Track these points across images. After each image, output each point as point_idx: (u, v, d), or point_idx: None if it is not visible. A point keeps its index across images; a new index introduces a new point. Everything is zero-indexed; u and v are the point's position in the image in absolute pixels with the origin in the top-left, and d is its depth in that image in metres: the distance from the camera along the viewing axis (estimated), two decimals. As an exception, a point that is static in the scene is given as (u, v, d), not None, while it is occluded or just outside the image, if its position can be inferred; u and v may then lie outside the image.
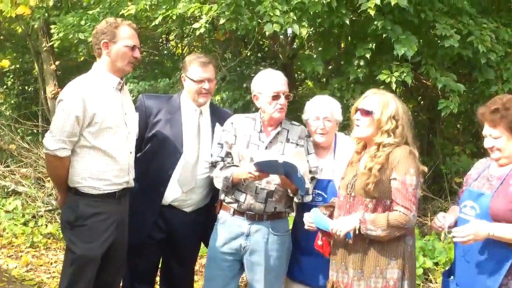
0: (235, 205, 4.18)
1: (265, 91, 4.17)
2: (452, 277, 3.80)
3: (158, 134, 4.35)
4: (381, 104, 3.68)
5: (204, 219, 4.48)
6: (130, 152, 4.09)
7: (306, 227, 3.92)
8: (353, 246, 3.70)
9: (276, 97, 4.14)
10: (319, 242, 3.97)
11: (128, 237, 4.26)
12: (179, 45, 11.23)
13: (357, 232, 3.60)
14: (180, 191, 4.33)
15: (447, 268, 4.07)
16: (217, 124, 4.42)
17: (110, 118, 3.91)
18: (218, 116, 4.52)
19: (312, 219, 3.85)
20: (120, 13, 7.61)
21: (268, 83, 4.19)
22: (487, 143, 3.61)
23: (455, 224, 3.68)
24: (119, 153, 3.97)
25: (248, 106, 7.38)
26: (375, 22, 6.58)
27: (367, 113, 3.70)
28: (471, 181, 3.77)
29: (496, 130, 3.54)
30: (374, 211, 3.62)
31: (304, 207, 4.24)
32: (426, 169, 3.74)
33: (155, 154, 4.34)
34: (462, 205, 3.70)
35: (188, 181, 4.33)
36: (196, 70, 4.35)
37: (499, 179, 3.57)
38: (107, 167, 3.93)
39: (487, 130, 3.60)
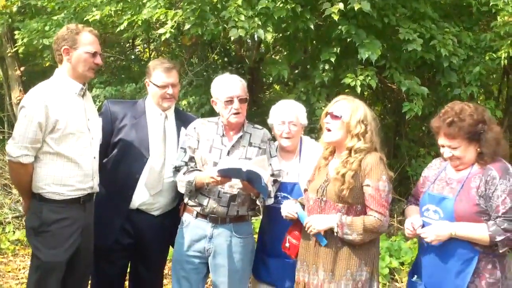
0: (198, 208, 4.21)
1: (220, 96, 4.21)
2: (415, 276, 3.86)
3: (124, 139, 4.36)
4: (350, 108, 3.74)
5: (171, 222, 4.48)
6: (94, 157, 4.08)
7: (284, 215, 3.95)
8: (324, 248, 3.75)
9: (230, 102, 4.16)
10: (287, 245, 4.03)
11: (96, 242, 4.26)
12: (146, 50, 11.20)
13: (334, 232, 3.66)
14: (147, 194, 4.34)
15: (411, 269, 4.13)
16: (182, 128, 4.44)
17: (73, 124, 3.91)
18: (183, 120, 4.55)
19: (296, 209, 3.91)
20: (85, 18, 7.56)
21: (222, 89, 4.22)
22: (446, 154, 3.67)
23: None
24: (82, 159, 3.96)
25: (215, 111, 7.35)
26: (340, 27, 6.65)
27: (337, 117, 3.75)
28: (429, 183, 3.83)
29: (454, 142, 3.60)
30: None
31: (271, 210, 4.29)
32: (392, 174, 3.80)
33: (122, 159, 4.35)
34: (424, 209, 3.76)
35: (155, 185, 4.34)
36: (160, 75, 4.37)
37: (459, 182, 3.64)
38: (70, 173, 3.92)
39: (444, 141, 3.65)
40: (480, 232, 3.47)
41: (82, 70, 4.00)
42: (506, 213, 3.44)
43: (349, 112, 3.72)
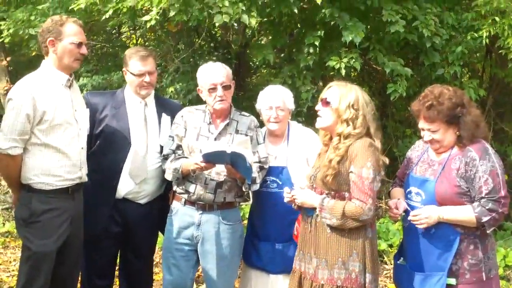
0: (185, 196, 4.27)
1: (204, 85, 4.28)
2: (401, 258, 3.94)
3: (106, 130, 4.41)
4: (340, 93, 3.74)
5: (159, 210, 4.54)
6: (82, 148, 4.13)
7: (286, 200, 3.95)
8: (316, 235, 3.77)
9: (213, 89, 4.22)
10: (295, 232, 4.09)
11: (84, 231, 4.32)
12: (133, 36, 11.17)
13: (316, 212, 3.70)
14: (133, 183, 4.39)
15: (397, 251, 4.20)
16: (164, 114, 4.50)
17: (60, 115, 3.95)
18: (163, 106, 4.60)
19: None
20: (70, 7, 7.56)
21: (205, 76, 4.28)
22: (425, 137, 3.73)
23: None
24: (70, 149, 4.01)
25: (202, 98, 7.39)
26: (323, 10, 6.68)
27: (327, 103, 3.76)
28: (412, 165, 3.89)
29: (433, 125, 3.67)
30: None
31: (261, 195, 4.40)
32: (387, 160, 3.77)
33: (105, 149, 4.40)
34: (407, 191, 3.84)
35: (139, 173, 4.39)
36: (136, 64, 4.41)
37: (440, 164, 3.71)
38: (59, 163, 3.97)
39: (423, 124, 3.71)
40: (466, 214, 3.55)
41: (68, 61, 4.04)
42: (489, 193, 3.51)
43: (338, 98, 3.72)
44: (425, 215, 3.60)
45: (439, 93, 3.68)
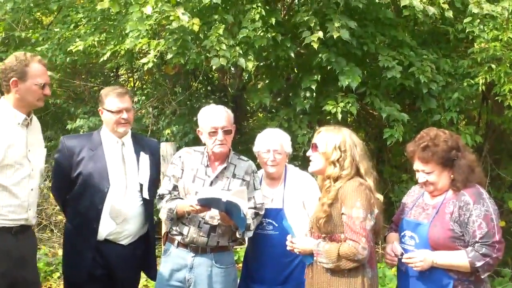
0: (179, 238, 4.23)
1: (205, 127, 4.25)
2: None
3: (84, 172, 4.32)
4: (326, 137, 3.77)
5: (142, 251, 4.48)
6: (32, 189, 3.99)
7: (288, 248, 3.92)
8: (317, 276, 3.76)
9: (214, 133, 4.19)
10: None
11: (70, 276, 4.29)
12: (130, 79, 11.25)
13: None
14: (114, 224, 4.31)
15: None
16: (142, 153, 4.45)
17: (11, 156, 3.84)
18: (141, 145, 4.55)
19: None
20: (69, 49, 7.63)
21: (207, 119, 4.25)
22: (420, 179, 3.73)
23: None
24: (18, 189, 3.89)
25: (199, 139, 7.37)
26: (320, 55, 6.74)
27: (316, 147, 3.79)
28: (407, 210, 3.87)
29: (428, 166, 3.66)
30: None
31: (257, 237, 4.36)
32: (381, 197, 3.78)
33: (84, 192, 4.32)
34: (401, 235, 3.81)
35: (119, 214, 4.31)
36: (113, 101, 4.36)
37: (434, 208, 3.69)
38: (3, 202, 3.83)
39: (418, 166, 3.71)
40: (459, 259, 3.51)
41: (31, 101, 3.94)
42: (483, 237, 3.47)
43: (324, 142, 3.76)
44: (420, 258, 3.57)
45: (434, 135, 3.69)
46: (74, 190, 4.36)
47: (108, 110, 4.37)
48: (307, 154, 3.88)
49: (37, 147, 4.10)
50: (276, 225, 4.38)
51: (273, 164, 4.45)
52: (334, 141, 3.73)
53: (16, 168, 3.86)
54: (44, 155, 4.22)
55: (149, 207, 4.50)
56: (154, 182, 4.55)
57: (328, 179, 3.73)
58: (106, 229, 4.31)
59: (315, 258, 3.71)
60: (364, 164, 3.73)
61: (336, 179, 3.69)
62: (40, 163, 4.12)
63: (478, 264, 3.47)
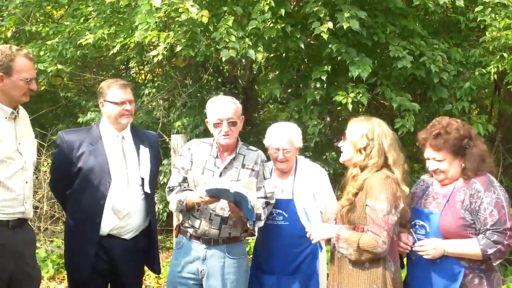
0: (191, 230, 4.24)
1: (210, 118, 4.25)
2: None
3: (84, 167, 4.28)
4: (355, 126, 3.80)
5: (144, 244, 4.46)
6: (26, 182, 3.94)
7: (308, 235, 3.96)
8: (339, 268, 3.79)
9: (219, 124, 4.19)
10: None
11: (74, 272, 4.29)
12: (141, 72, 11.27)
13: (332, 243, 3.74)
14: (116, 219, 4.28)
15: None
16: (141, 146, 4.42)
17: (2, 151, 3.78)
18: (141, 138, 4.51)
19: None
20: (79, 42, 7.65)
21: (213, 110, 4.25)
22: (431, 166, 3.72)
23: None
24: (13, 183, 3.83)
25: (209, 131, 7.39)
26: (330, 46, 6.72)
27: (346, 137, 3.83)
28: (417, 199, 3.87)
29: (439, 154, 3.66)
30: None
31: (267, 227, 4.36)
32: (407, 190, 3.74)
33: (85, 187, 4.28)
34: (412, 224, 3.80)
35: (122, 208, 4.28)
36: (116, 92, 4.31)
37: (445, 196, 3.68)
38: None
39: (429, 153, 3.71)
40: (471, 247, 3.51)
41: (16, 96, 3.86)
42: (495, 225, 3.47)
43: (352, 131, 3.79)
44: (432, 246, 3.57)
45: (447, 123, 3.69)
46: (74, 185, 4.31)
47: (111, 102, 4.31)
48: (339, 145, 3.91)
49: (27, 139, 4.02)
50: (286, 215, 4.39)
51: (282, 161, 4.46)
52: (362, 129, 3.74)
53: (8, 163, 3.80)
54: (35, 146, 4.16)
55: (151, 200, 4.49)
56: (154, 175, 4.54)
57: (355, 167, 3.74)
58: (109, 224, 4.27)
59: (333, 243, 3.72)
60: (393, 155, 3.71)
61: (363, 168, 3.69)
62: (32, 155, 4.06)
63: (490, 251, 3.47)
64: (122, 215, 4.29)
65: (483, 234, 3.50)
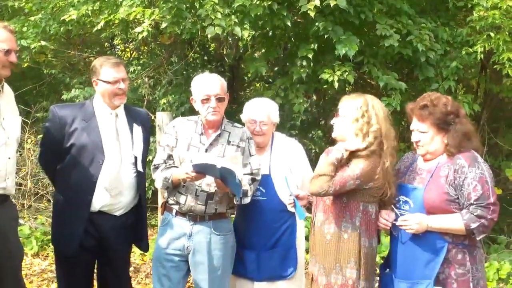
0: (177, 207, 4.23)
1: (198, 95, 4.23)
2: (388, 269, 3.92)
3: (77, 143, 4.23)
4: (348, 102, 3.88)
5: (133, 221, 4.46)
6: (9, 158, 3.89)
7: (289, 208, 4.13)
8: (318, 241, 3.89)
9: (206, 100, 4.17)
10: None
11: (61, 248, 4.27)
12: (127, 49, 11.18)
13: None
14: (108, 196, 4.27)
15: (383, 262, 4.18)
16: (135, 125, 4.39)
17: None
18: (134, 116, 4.48)
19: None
20: (62, 18, 7.55)
21: (200, 86, 4.23)
22: (414, 137, 3.76)
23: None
24: None
25: (194, 109, 7.36)
26: (317, 23, 6.67)
27: (339, 114, 3.88)
28: (401, 175, 3.89)
29: (423, 125, 3.68)
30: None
31: (245, 204, 4.34)
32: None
33: (77, 164, 4.24)
34: (396, 200, 3.81)
35: (114, 186, 4.27)
36: (109, 71, 4.26)
37: (429, 172, 3.70)
38: None
39: (415, 124, 3.74)
40: (454, 222, 3.54)
41: None
42: (478, 199, 3.50)
43: (346, 106, 3.85)
44: (415, 220, 3.60)
45: (436, 97, 3.73)
46: (65, 161, 4.28)
47: (104, 81, 4.28)
48: (331, 122, 3.97)
49: (11, 114, 3.97)
50: (264, 191, 4.44)
51: (259, 134, 4.50)
52: (356, 103, 3.81)
53: None
54: (19, 122, 4.10)
55: (142, 178, 4.48)
56: (145, 154, 4.52)
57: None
58: (100, 201, 4.26)
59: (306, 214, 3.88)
60: (386, 126, 3.81)
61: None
62: (16, 131, 4.00)
63: (473, 225, 3.50)
64: (114, 192, 4.27)
65: (467, 209, 3.53)
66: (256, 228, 4.43)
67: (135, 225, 4.45)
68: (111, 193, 4.27)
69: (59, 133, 4.26)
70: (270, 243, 4.43)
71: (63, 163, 4.29)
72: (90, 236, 4.31)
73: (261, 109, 4.52)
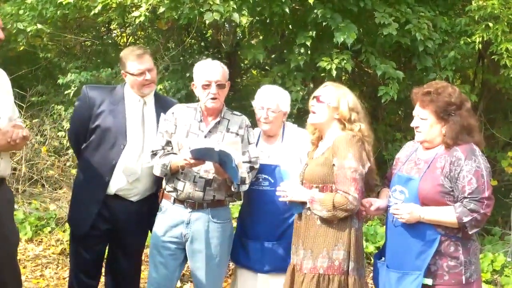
0: (174, 194, 4.21)
1: (199, 80, 4.20)
2: (383, 258, 3.90)
3: (102, 125, 4.32)
4: (337, 92, 3.85)
5: (149, 208, 4.47)
6: None
7: (277, 193, 4.00)
8: (306, 228, 3.85)
9: (207, 86, 4.15)
10: None
11: (73, 226, 4.34)
12: (123, 34, 11.11)
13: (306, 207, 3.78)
14: (125, 180, 4.32)
15: (378, 251, 4.19)
16: (162, 114, 4.40)
17: None
18: (162, 105, 4.51)
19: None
20: (59, 1, 7.49)
21: (201, 72, 4.21)
22: (413, 122, 3.73)
23: (387, 207, 3.80)
24: None
25: (191, 96, 7.30)
26: (315, 11, 6.65)
27: (322, 100, 3.83)
28: (400, 164, 3.87)
29: (424, 111, 3.64)
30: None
31: (252, 193, 4.36)
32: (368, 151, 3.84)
33: (99, 145, 4.33)
34: (392, 189, 3.80)
35: (133, 171, 4.31)
36: (133, 64, 4.33)
37: (426, 162, 3.67)
38: None
39: (416, 110, 3.71)
40: (447, 215, 3.50)
41: None
42: (472, 193, 3.46)
43: (334, 96, 3.82)
44: (407, 210, 3.57)
45: (442, 86, 3.69)
46: (89, 141, 4.37)
47: (130, 74, 4.35)
48: (310, 103, 3.91)
49: (3, 94, 3.90)
50: (272, 181, 4.37)
51: (266, 122, 4.43)
52: (347, 98, 3.82)
53: None
54: (12, 102, 4.01)
55: None
56: None
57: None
58: (116, 184, 4.32)
59: (308, 205, 3.77)
60: (361, 111, 3.85)
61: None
62: (8, 111, 3.90)
63: (466, 219, 3.46)
64: (132, 179, 4.32)
65: (460, 202, 3.50)
66: (261, 219, 4.37)
67: (150, 213, 4.45)
68: (129, 179, 4.31)
69: (87, 113, 4.35)
70: (275, 235, 4.35)
71: (87, 143, 4.37)
72: (103, 219, 4.37)
73: (271, 96, 4.47)
